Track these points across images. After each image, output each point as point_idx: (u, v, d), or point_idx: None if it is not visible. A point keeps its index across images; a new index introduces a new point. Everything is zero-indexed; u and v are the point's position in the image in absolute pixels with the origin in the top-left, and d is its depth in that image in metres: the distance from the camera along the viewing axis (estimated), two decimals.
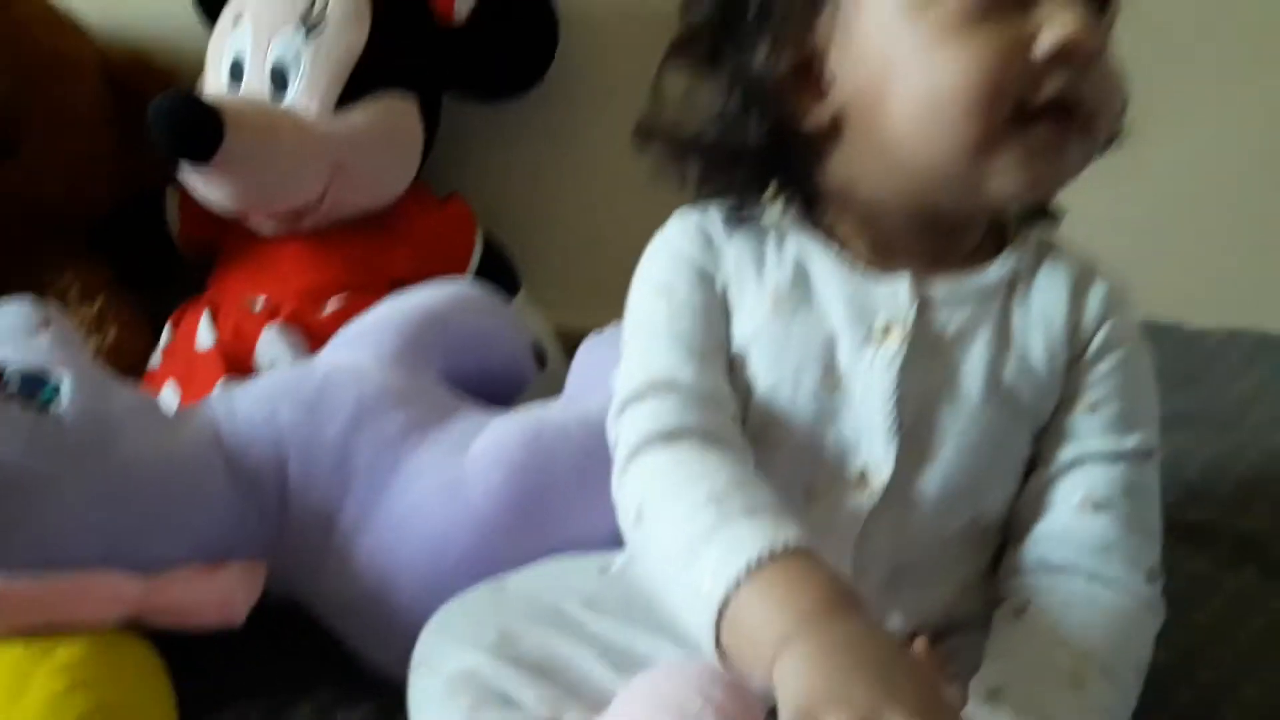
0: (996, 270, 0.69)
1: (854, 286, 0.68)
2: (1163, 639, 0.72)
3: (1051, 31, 0.60)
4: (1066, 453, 0.68)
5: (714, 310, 0.69)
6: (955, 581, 0.69)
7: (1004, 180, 0.63)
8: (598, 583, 0.76)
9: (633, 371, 0.69)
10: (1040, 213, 0.73)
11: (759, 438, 0.67)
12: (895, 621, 0.67)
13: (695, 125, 0.71)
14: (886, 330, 0.67)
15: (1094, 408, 0.68)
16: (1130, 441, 0.68)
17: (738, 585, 0.54)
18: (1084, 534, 0.67)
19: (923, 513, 0.67)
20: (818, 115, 0.68)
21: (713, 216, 0.72)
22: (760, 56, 0.68)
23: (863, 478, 0.66)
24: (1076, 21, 0.60)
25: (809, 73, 0.68)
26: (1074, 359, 0.69)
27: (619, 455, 0.67)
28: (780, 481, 0.65)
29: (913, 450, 0.66)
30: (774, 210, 0.72)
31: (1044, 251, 0.71)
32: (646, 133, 0.73)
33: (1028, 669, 0.63)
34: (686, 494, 0.60)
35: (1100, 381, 0.68)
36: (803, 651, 0.52)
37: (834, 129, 0.68)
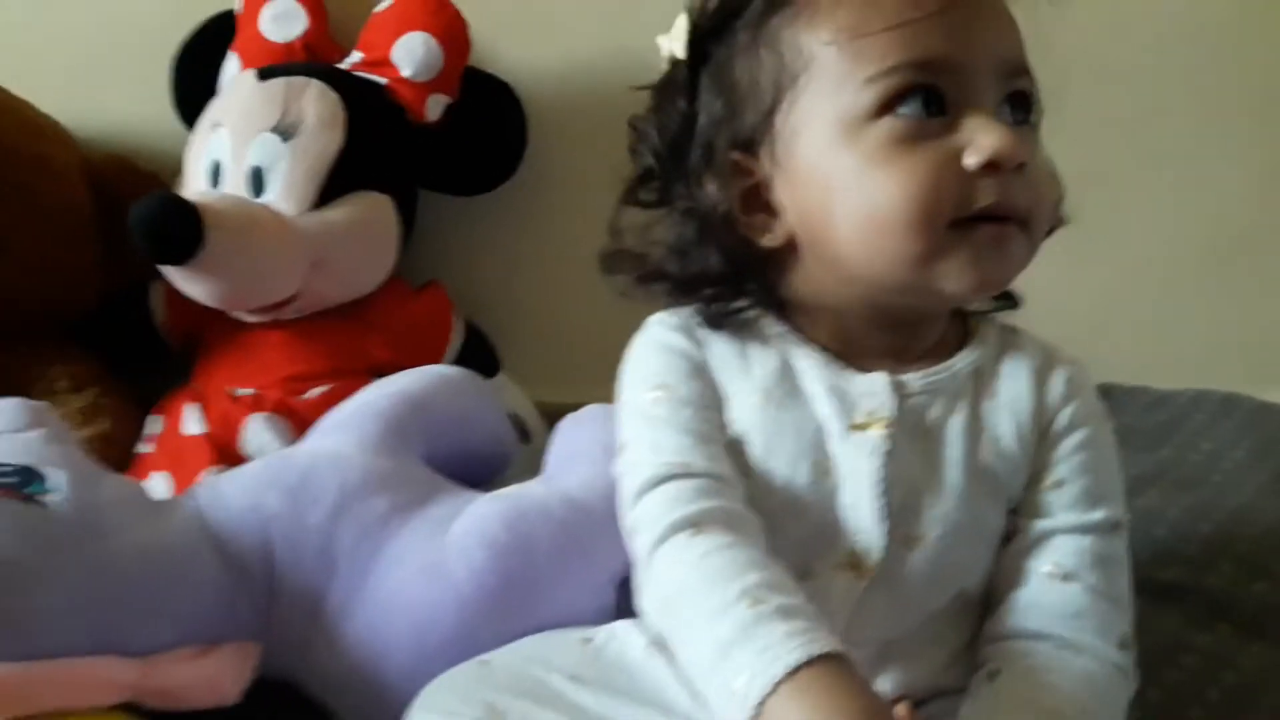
0: (963, 361, 0.73)
1: (835, 380, 0.71)
2: (1136, 698, 0.73)
3: (977, 148, 0.64)
4: (1037, 527, 0.71)
5: (709, 400, 0.72)
6: (943, 652, 0.71)
7: (953, 282, 0.66)
8: (580, 656, 0.77)
9: (643, 460, 0.71)
10: (1002, 297, 0.76)
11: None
12: (884, 689, 0.69)
13: (656, 256, 0.75)
14: (870, 420, 0.70)
15: (1060, 484, 0.71)
16: (1096, 514, 0.71)
17: (775, 689, 0.57)
18: (1054, 603, 0.69)
19: (913, 591, 0.69)
20: (772, 237, 0.71)
21: (689, 319, 0.75)
22: (709, 191, 0.71)
23: (855, 559, 0.68)
24: (999, 137, 0.63)
25: (758, 198, 0.71)
26: (1040, 439, 0.72)
27: (642, 541, 0.68)
28: (778, 553, 0.67)
29: (901, 533, 0.69)
30: (751, 312, 0.74)
31: (1006, 340, 0.75)
32: (610, 263, 0.76)
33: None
34: (719, 590, 0.62)
35: (1065, 459, 0.71)
36: None
37: (790, 247, 0.71)
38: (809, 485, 0.69)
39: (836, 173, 0.67)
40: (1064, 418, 0.72)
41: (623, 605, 0.85)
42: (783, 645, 0.58)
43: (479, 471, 1.05)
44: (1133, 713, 0.71)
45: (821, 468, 0.69)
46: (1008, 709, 0.66)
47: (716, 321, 0.74)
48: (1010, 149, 0.63)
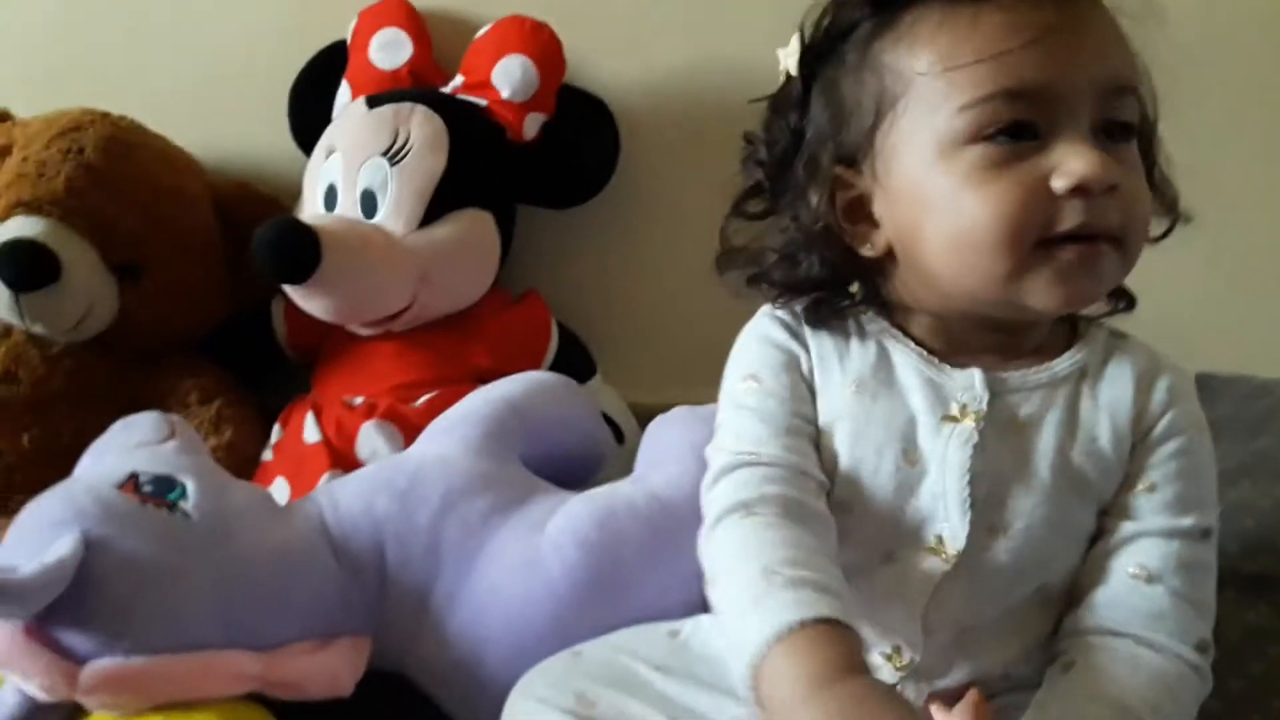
0: (1065, 363, 0.75)
1: (931, 375, 0.74)
2: (1218, 688, 0.74)
3: (1065, 173, 0.66)
4: (1125, 528, 0.72)
5: (800, 392, 0.76)
6: (1018, 644, 0.74)
7: (1040, 298, 0.69)
8: (666, 648, 0.82)
9: (725, 446, 0.76)
10: (1118, 298, 0.78)
11: (844, 505, 0.74)
12: (957, 677, 0.72)
13: (766, 260, 0.79)
14: (962, 414, 0.72)
15: (1153, 488, 0.72)
16: (1186, 521, 0.72)
17: (768, 646, 0.62)
18: (1136, 602, 0.71)
19: (993, 581, 0.72)
20: (871, 247, 0.75)
21: (795, 312, 0.79)
22: (812, 202, 0.75)
23: (939, 545, 0.72)
24: (1087, 162, 0.65)
25: (860, 209, 0.75)
26: (1137, 443, 0.73)
27: (707, 522, 0.74)
28: (862, 545, 0.73)
29: (985, 523, 0.71)
30: (855, 309, 0.78)
31: (1113, 344, 0.76)
32: (724, 263, 0.82)
33: (1064, 717, 0.67)
34: (747, 565, 0.67)
35: (1161, 464, 0.73)
36: (811, 706, 0.59)
37: (890, 256, 0.75)
38: (895, 472, 0.72)
39: (931, 193, 0.70)
40: (1163, 424, 0.73)
41: (708, 599, 0.90)
42: (780, 611, 0.62)
43: (575, 472, 1.09)
44: (1215, 703, 0.72)
45: (910, 457, 0.73)
46: (1077, 699, 0.68)
47: (822, 319, 0.78)
48: (1097, 173, 0.65)
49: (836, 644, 0.62)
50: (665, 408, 1.10)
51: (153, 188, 1.25)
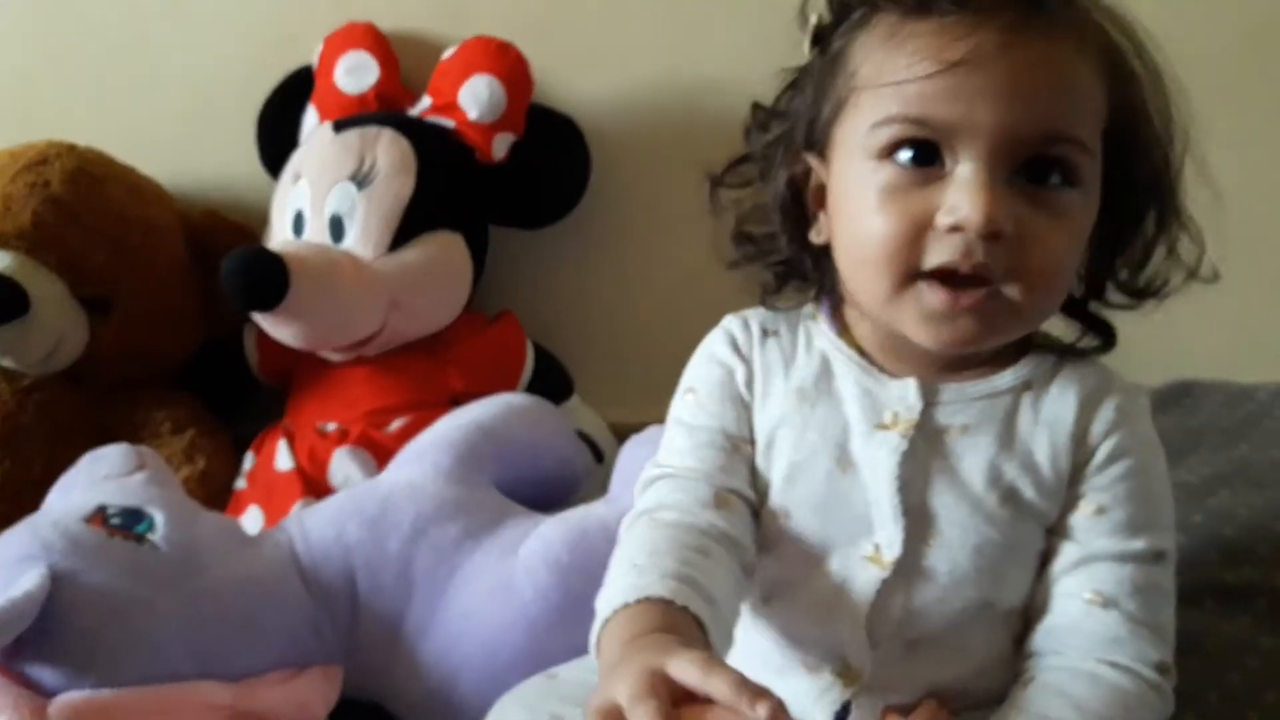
0: (1008, 378, 0.74)
1: (869, 384, 0.74)
2: (1196, 701, 0.75)
3: (946, 209, 0.65)
4: (1074, 551, 0.71)
5: (730, 408, 0.77)
6: (972, 661, 0.73)
7: (915, 333, 0.69)
8: None
9: (656, 459, 0.78)
10: (1098, 333, 0.77)
11: (785, 512, 0.74)
12: (911, 693, 0.72)
13: (755, 231, 0.80)
14: (894, 422, 0.72)
15: (1102, 510, 0.71)
16: (1138, 544, 0.70)
17: (605, 620, 0.65)
18: (1093, 628, 0.70)
19: (932, 590, 0.71)
20: (817, 233, 0.76)
21: (748, 324, 0.79)
22: (779, 179, 0.76)
23: (877, 553, 0.71)
24: (972, 204, 0.64)
25: (822, 196, 0.75)
26: (1080, 465, 0.72)
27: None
28: (804, 554, 0.73)
29: (920, 532, 0.71)
30: (809, 315, 0.79)
31: (1064, 362, 0.75)
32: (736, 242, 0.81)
33: (1022, 716, 0.67)
34: (621, 559, 0.70)
35: (1109, 487, 0.71)
36: (618, 666, 0.59)
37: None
38: (831, 480, 0.73)
39: (847, 200, 0.71)
40: (1109, 445, 0.72)
41: None
42: (621, 592, 0.65)
43: (551, 493, 1.09)
44: (1191, 716, 0.72)
45: (843, 464, 0.73)
46: (1037, 705, 0.68)
47: (773, 324, 0.79)
48: (978, 217, 0.64)
49: (663, 617, 0.63)
50: (641, 425, 1.11)
51: (121, 220, 1.25)
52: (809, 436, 0.74)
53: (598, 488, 1.10)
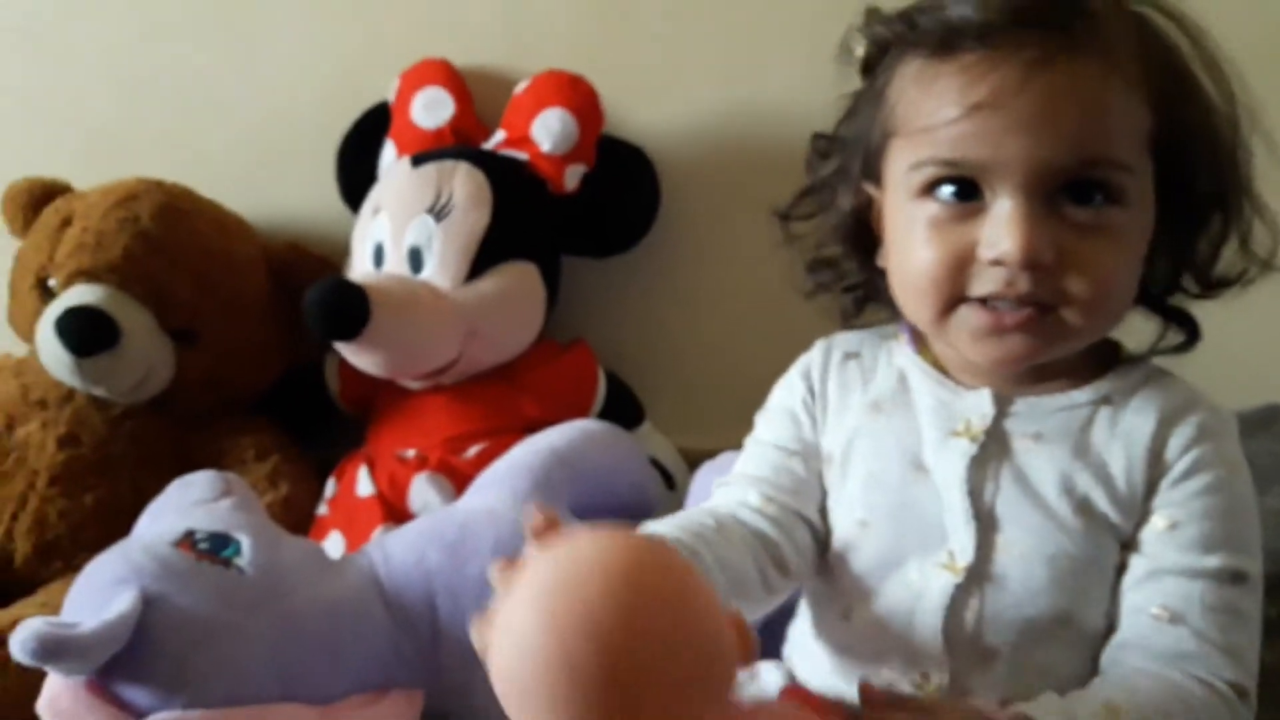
0: (1086, 393, 0.74)
1: (944, 396, 0.76)
2: None
3: (987, 245, 0.68)
4: (1143, 565, 0.71)
5: (791, 423, 0.82)
6: (1050, 679, 0.72)
7: (969, 350, 0.73)
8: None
9: (735, 465, 0.84)
10: (1183, 329, 0.77)
11: (863, 522, 0.77)
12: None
13: (827, 257, 0.83)
14: (966, 430, 0.74)
15: (1175, 526, 0.71)
16: (1211, 561, 0.70)
17: None
18: (1161, 642, 0.69)
19: (1006, 598, 0.72)
20: (881, 257, 0.78)
21: (831, 349, 0.84)
22: (843, 208, 0.80)
23: (951, 560, 0.73)
24: (1011, 239, 0.67)
25: (881, 220, 0.78)
26: (1156, 479, 0.72)
27: None
28: (881, 561, 0.75)
29: (992, 537, 0.72)
30: (891, 335, 0.82)
31: (1149, 379, 0.75)
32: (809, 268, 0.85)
33: (1072, 698, 0.67)
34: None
35: (1184, 502, 0.71)
36: None
37: None
38: (906, 486, 0.75)
39: (898, 231, 0.74)
40: (1186, 461, 0.71)
41: (764, 646, 0.90)
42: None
43: (625, 519, 1.08)
44: None
45: (918, 470, 0.75)
46: (1084, 695, 0.68)
47: (858, 341, 0.83)
48: (1017, 250, 0.66)
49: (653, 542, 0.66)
50: (715, 452, 1.12)
51: (206, 253, 1.28)
52: (885, 446, 0.77)
53: (669, 514, 1.10)
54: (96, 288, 1.22)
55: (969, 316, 0.70)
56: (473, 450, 1.22)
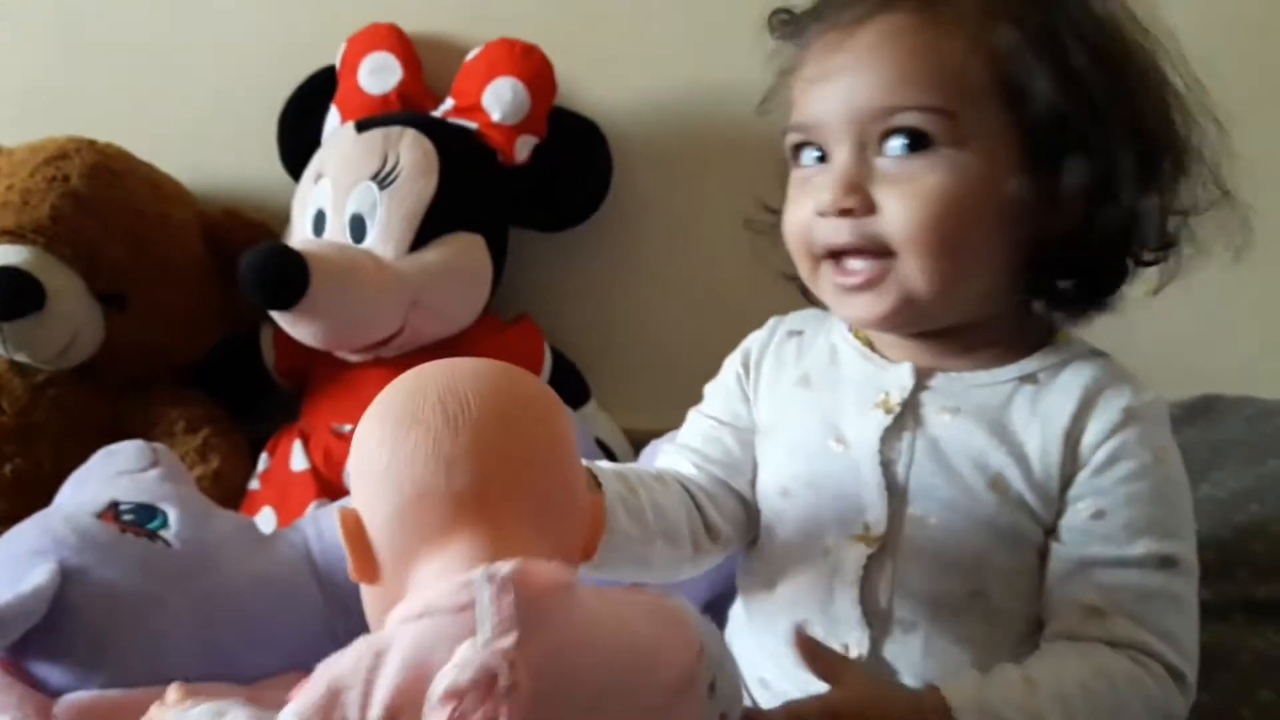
0: (1008, 372, 0.74)
1: (869, 370, 0.77)
2: (1227, 716, 0.75)
3: (817, 200, 0.72)
4: (1071, 557, 0.71)
5: (728, 401, 0.84)
6: (968, 654, 0.73)
7: (835, 311, 0.78)
8: None
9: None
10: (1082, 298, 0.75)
11: (787, 492, 0.79)
12: (908, 681, 0.73)
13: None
14: (884, 403, 0.75)
15: (1100, 514, 0.70)
16: (1139, 548, 0.69)
17: None
18: (1093, 632, 0.69)
19: (919, 569, 0.73)
20: None
21: (775, 328, 0.85)
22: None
23: (865, 529, 0.74)
24: (823, 191, 0.71)
25: None
26: (1078, 467, 0.71)
27: None
28: (804, 533, 0.77)
29: (906, 510, 0.73)
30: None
31: (1075, 357, 0.75)
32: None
33: (992, 673, 0.68)
34: None
35: (1109, 490, 0.70)
36: None
37: None
38: (827, 456, 0.76)
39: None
40: (1108, 448, 0.71)
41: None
42: None
43: None
44: None
45: (839, 442, 0.76)
46: (1000, 671, 0.68)
47: (804, 323, 0.84)
48: (827, 197, 0.71)
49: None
50: (660, 433, 1.10)
51: (139, 215, 1.25)
52: (809, 418, 0.78)
53: None
54: (21, 248, 1.18)
55: (827, 274, 0.74)
56: None
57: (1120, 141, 0.70)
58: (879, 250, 0.71)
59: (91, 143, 1.27)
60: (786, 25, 0.78)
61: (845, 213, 0.71)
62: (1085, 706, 0.66)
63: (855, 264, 0.72)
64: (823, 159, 0.73)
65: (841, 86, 0.71)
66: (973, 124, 0.69)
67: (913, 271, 0.70)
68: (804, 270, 0.76)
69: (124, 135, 1.31)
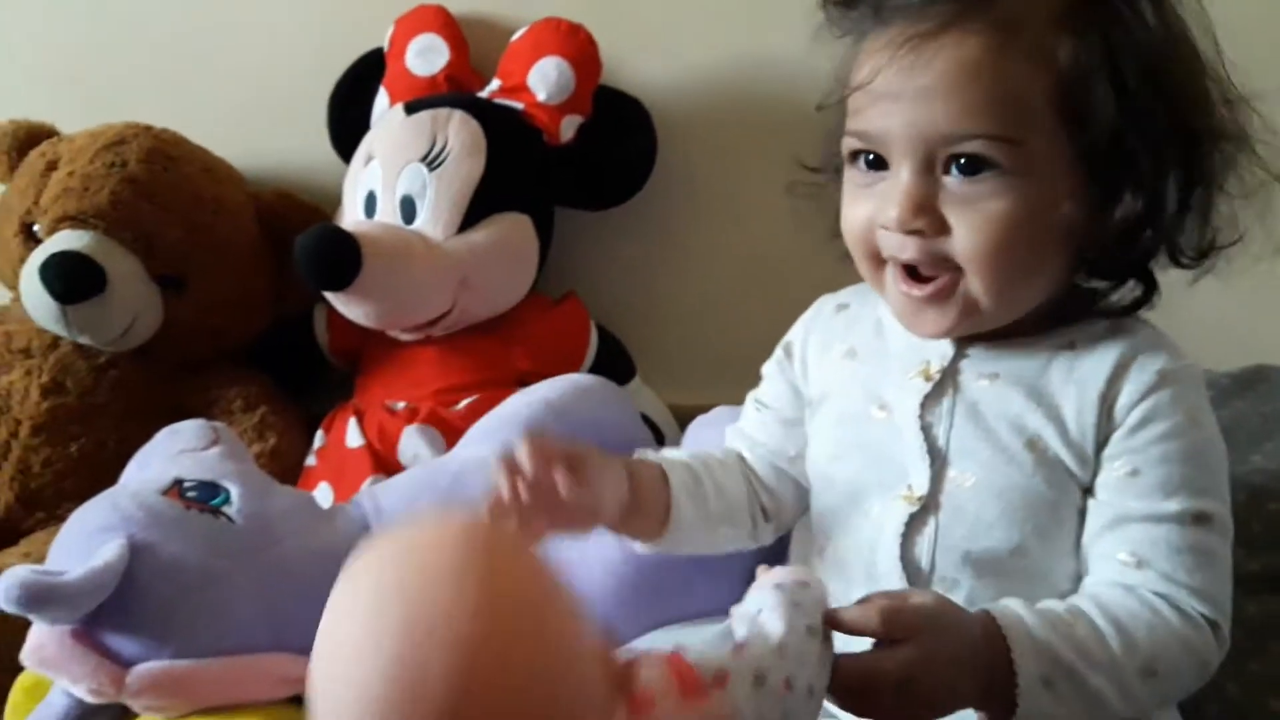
0: (1047, 340, 0.76)
1: (914, 341, 0.79)
2: (1241, 675, 0.74)
3: (881, 214, 0.73)
4: (1106, 513, 0.73)
5: (781, 381, 0.88)
6: None
7: (898, 318, 0.78)
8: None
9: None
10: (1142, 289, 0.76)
11: (838, 457, 0.82)
12: None
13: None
14: (923, 372, 0.78)
15: (1135, 473, 0.72)
16: (1172, 505, 0.71)
17: None
18: (1130, 586, 0.71)
19: (959, 529, 0.75)
20: None
21: (825, 303, 0.88)
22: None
23: (909, 491, 0.76)
24: (892, 206, 0.71)
25: None
26: (1113, 428, 0.72)
27: None
28: (852, 495, 0.80)
29: (947, 471, 0.75)
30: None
31: (1117, 328, 0.76)
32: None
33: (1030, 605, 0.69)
34: None
35: (1143, 449, 0.72)
36: None
37: None
38: (873, 423, 0.79)
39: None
40: (1144, 408, 0.72)
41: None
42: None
43: None
44: (1236, 688, 0.75)
45: (882, 409, 0.79)
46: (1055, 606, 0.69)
47: (854, 297, 0.87)
48: (895, 216, 0.71)
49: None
50: (705, 408, 1.12)
51: (195, 199, 1.26)
52: (854, 388, 0.81)
53: None
54: (83, 233, 1.20)
55: (893, 280, 0.75)
56: (463, 403, 1.21)
57: (1170, 161, 0.71)
58: (947, 267, 0.72)
59: (148, 128, 1.29)
60: (842, 10, 0.77)
61: (914, 234, 0.72)
62: (1127, 642, 0.68)
63: (927, 274, 0.73)
64: (879, 166, 0.74)
65: (910, 108, 0.70)
66: (1038, 150, 0.70)
67: (978, 288, 0.72)
68: (864, 270, 0.77)
69: (177, 120, 1.33)
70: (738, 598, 0.90)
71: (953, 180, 0.71)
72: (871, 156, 0.74)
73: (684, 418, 1.18)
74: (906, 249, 0.72)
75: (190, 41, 1.44)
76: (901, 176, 0.71)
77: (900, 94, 0.70)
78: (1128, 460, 0.72)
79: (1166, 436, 0.72)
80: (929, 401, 0.77)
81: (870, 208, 0.74)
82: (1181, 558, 0.70)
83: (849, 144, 0.75)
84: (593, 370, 1.30)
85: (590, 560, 0.91)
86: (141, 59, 1.45)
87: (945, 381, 0.77)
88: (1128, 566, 0.71)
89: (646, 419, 1.25)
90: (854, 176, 0.76)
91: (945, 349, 0.78)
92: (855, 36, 0.76)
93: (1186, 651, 0.69)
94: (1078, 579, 0.74)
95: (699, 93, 1.37)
